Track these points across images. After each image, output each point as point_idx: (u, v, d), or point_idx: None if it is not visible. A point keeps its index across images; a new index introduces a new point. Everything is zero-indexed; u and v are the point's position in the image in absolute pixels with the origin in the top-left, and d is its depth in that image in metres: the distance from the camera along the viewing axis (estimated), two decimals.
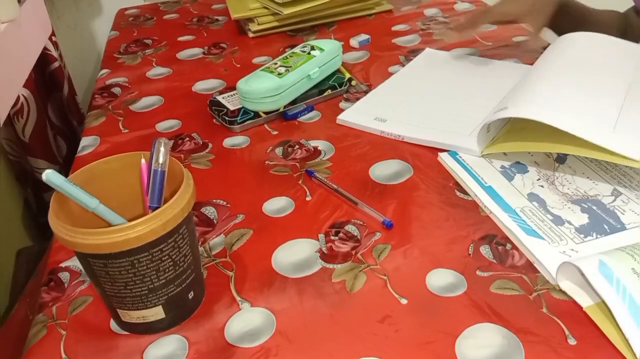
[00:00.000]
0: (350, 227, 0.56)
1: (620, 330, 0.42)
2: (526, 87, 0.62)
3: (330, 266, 0.52)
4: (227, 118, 0.73)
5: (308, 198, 0.60)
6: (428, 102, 0.75)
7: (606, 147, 0.52)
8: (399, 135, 0.68)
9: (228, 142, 0.72)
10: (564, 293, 0.47)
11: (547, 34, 0.81)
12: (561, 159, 0.62)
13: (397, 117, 0.72)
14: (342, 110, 0.77)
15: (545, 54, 0.71)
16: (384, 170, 0.64)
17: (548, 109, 0.57)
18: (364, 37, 0.95)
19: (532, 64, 0.82)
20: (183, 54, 0.97)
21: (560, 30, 0.80)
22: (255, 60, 0.93)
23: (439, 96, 0.76)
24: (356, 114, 0.74)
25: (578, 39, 0.71)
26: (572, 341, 0.43)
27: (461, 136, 0.66)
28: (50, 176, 0.39)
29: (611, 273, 0.43)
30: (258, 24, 1.01)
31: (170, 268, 0.43)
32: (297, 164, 0.66)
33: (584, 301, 0.46)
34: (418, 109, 0.73)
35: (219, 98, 0.77)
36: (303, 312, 0.47)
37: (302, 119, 0.75)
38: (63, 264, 0.55)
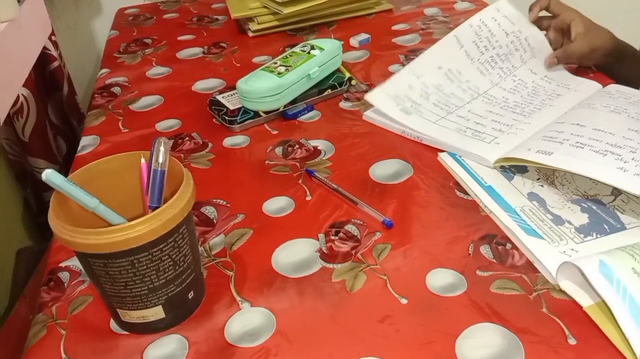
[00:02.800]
0: (350, 227, 0.56)
1: (620, 330, 0.42)
2: (575, 139, 0.59)
3: (330, 265, 0.52)
4: (227, 118, 0.73)
5: (308, 198, 0.60)
6: (464, 98, 0.72)
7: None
8: (418, 136, 0.68)
9: (228, 141, 0.72)
10: (564, 292, 0.47)
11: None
12: None
13: (422, 111, 0.70)
14: (342, 109, 0.77)
15: (596, 101, 0.67)
16: (384, 170, 0.64)
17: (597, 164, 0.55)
18: (364, 36, 0.95)
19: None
20: (183, 54, 0.97)
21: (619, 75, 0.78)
22: (255, 60, 0.93)
23: (479, 95, 0.74)
24: (383, 98, 0.72)
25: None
26: (572, 341, 0.43)
27: (481, 144, 0.63)
28: (50, 175, 0.39)
29: (611, 273, 0.43)
30: (258, 24, 1.01)
31: (170, 268, 0.43)
32: (297, 164, 0.66)
33: (584, 301, 0.46)
34: (448, 103, 0.71)
35: (219, 98, 0.77)
36: (303, 312, 0.47)
37: (302, 118, 0.75)
38: (63, 264, 0.55)
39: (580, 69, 0.81)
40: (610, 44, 0.76)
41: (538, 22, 0.81)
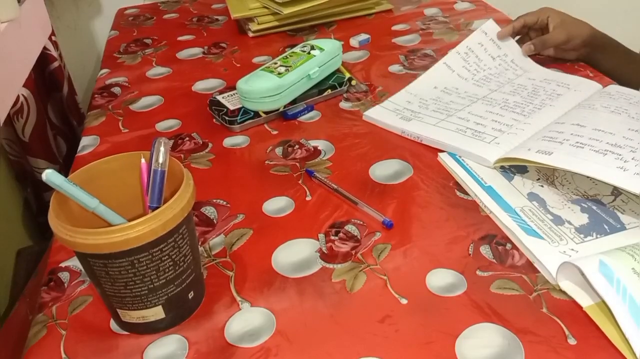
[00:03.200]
0: (350, 227, 0.56)
1: (620, 330, 0.42)
2: (574, 139, 0.59)
3: (330, 266, 0.52)
4: (227, 118, 0.73)
5: (308, 198, 0.60)
6: (464, 103, 0.73)
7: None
8: (418, 136, 0.68)
9: (228, 142, 0.72)
10: (564, 293, 0.47)
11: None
12: None
13: (422, 117, 0.71)
14: (343, 110, 0.77)
15: (596, 102, 0.67)
16: (384, 170, 0.64)
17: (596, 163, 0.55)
18: (364, 36, 0.95)
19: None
20: (183, 54, 0.97)
21: (604, 67, 0.81)
22: (255, 60, 0.93)
23: (476, 98, 0.74)
24: (383, 112, 0.74)
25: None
26: (572, 341, 0.43)
27: (481, 144, 0.63)
28: (50, 175, 0.39)
29: (611, 273, 0.43)
30: (258, 24, 1.01)
31: (170, 268, 0.43)
32: (297, 164, 0.66)
33: (584, 301, 0.46)
34: (448, 108, 0.72)
35: (219, 98, 0.77)
36: (303, 312, 0.47)
37: (302, 118, 0.75)
38: (63, 264, 0.55)
39: (580, 69, 0.81)
40: (587, 33, 0.79)
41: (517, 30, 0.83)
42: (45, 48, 1.06)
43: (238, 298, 0.49)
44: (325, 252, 0.53)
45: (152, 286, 0.43)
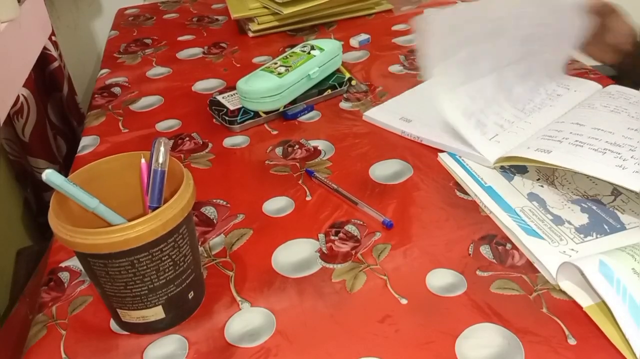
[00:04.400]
0: (350, 227, 0.56)
1: (620, 330, 0.42)
2: (575, 138, 0.59)
3: (330, 266, 0.52)
4: (227, 118, 0.73)
5: (308, 198, 0.60)
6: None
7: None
8: (418, 137, 0.68)
9: (228, 142, 0.72)
10: (564, 293, 0.47)
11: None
12: None
13: (422, 115, 0.69)
14: (342, 110, 0.77)
15: (596, 101, 0.67)
16: (384, 170, 0.64)
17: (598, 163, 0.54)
18: (364, 36, 0.95)
19: None
20: (183, 54, 0.97)
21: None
22: (255, 60, 0.93)
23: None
24: (383, 113, 0.73)
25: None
26: (572, 341, 0.43)
27: (481, 139, 0.63)
28: (50, 175, 0.39)
29: (611, 273, 0.43)
30: (258, 24, 1.01)
31: (170, 268, 0.43)
32: (297, 164, 0.66)
33: (584, 301, 0.46)
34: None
35: (219, 98, 0.77)
36: (303, 312, 0.47)
37: (302, 118, 0.75)
38: (63, 264, 0.55)
39: (580, 71, 0.81)
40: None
41: None
42: (45, 48, 1.07)
43: (238, 298, 0.49)
44: (325, 252, 0.53)
45: (152, 286, 0.43)
